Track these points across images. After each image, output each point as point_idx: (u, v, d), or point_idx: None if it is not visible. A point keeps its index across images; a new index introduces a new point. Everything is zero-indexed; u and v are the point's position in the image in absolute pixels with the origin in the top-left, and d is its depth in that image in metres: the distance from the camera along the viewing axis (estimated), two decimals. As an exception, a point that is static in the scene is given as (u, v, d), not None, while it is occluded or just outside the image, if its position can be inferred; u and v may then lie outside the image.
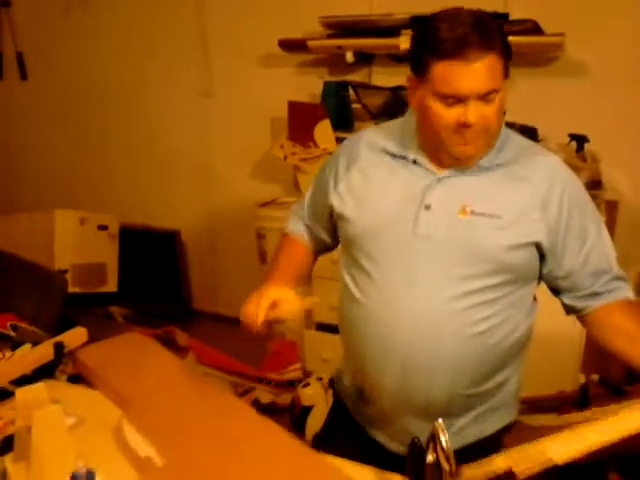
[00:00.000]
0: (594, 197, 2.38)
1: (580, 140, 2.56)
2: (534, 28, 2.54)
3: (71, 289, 3.28)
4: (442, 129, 1.11)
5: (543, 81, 2.76)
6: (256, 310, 1.19)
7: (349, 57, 2.90)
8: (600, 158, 2.57)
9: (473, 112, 1.07)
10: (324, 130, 2.96)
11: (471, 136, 1.10)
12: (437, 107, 1.10)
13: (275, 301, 1.20)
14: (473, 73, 1.05)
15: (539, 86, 2.75)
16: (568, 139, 2.60)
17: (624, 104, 2.66)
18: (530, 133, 2.53)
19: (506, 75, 1.10)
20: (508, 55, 1.09)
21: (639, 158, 2.70)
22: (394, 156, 1.23)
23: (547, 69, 2.76)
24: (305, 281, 1.42)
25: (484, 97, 1.07)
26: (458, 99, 1.07)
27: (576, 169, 2.44)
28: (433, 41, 1.06)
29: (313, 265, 1.49)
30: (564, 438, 0.93)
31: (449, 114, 1.09)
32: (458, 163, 1.16)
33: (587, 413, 0.99)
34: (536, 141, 2.54)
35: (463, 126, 1.09)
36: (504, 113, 1.16)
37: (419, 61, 1.10)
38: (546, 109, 2.72)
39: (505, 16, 2.59)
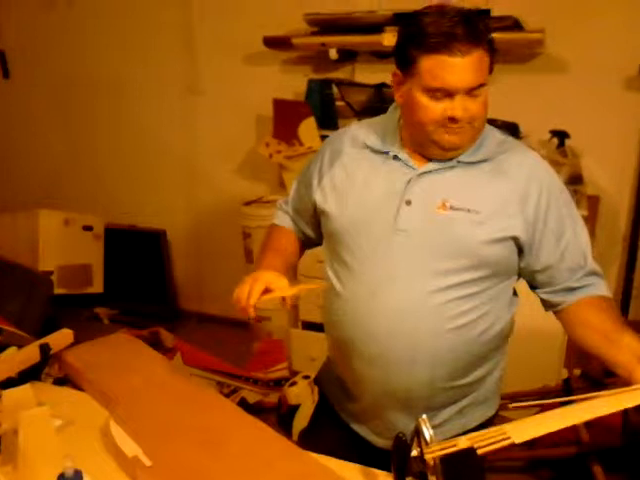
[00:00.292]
0: (575, 192, 2.43)
1: (561, 136, 2.59)
2: (515, 25, 2.56)
3: (56, 290, 3.27)
4: (429, 123, 1.13)
5: (524, 77, 2.79)
6: (249, 293, 1.18)
7: (333, 54, 2.91)
8: (581, 154, 2.61)
9: (460, 106, 1.09)
10: (309, 128, 2.97)
11: (457, 130, 1.13)
12: (425, 101, 1.12)
13: (268, 286, 1.20)
14: (461, 68, 1.07)
15: (520, 82, 2.78)
16: (549, 135, 2.63)
17: (604, 100, 2.69)
18: (512, 129, 2.56)
19: (491, 70, 1.12)
20: (493, 51, 1.11)
21: (619, 153, 2.74)
22: (376, 152, 1.25)
23: (528, 65, 2.78)
24: (293, 270, 1.42)
25: (471, 91, 1.09)
26: (446, 93, 1.09)
27: (557, 165, 2.48)
28: (421, 36, 1.08)
29: (300, 256, 1.50)
30: (524, 422, 0.97)
31: (437, 108, 1.11)
32: (444, 155, 1.18)
33: (562, 400, 1.03)
34: (518, 137, 2.56)
35: (450, 120, 1.11)
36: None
37: (406, 56, 1.12)
38: (527, 105, 2.74)
39: (486, 12, 2.61)
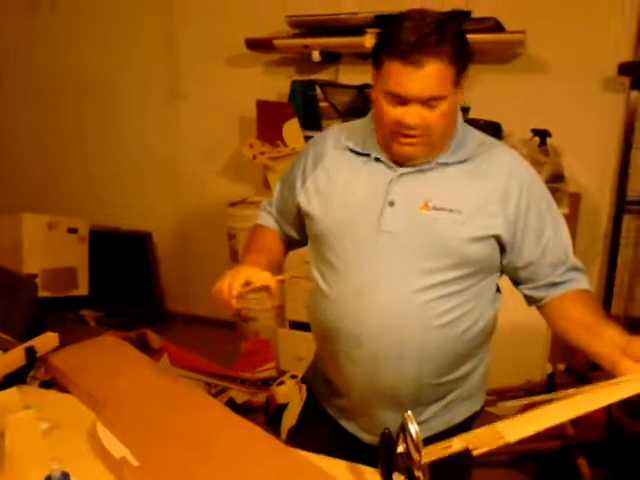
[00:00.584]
0: (557, 190, 2.47)
1: (542, 135, 2.63)
2: (496, 26, 2.59)
3: (41, 293, 3.25)
4: (386, 125, 1.16)
5: (505, 78, 2.82)
6: (230, 285, 1.18)
7: (316, 56, 2.92)
8: (562, 152, 2.64)
9: (412, 114, 1.11)
10: (292, 129, 2.97)
11: (411, 137, 1.14)
12: (383, 103, 1.14)
13: (248, 279, 1.20)
14: (417, 77, 1.08)
15: (502, 82, 2.81)
16: (531, 134, 2.66)
17: (584, 99, 2.73)
18: (494, 129, 2.59)
19: (457, 84, 1.12)
20: (463, 64, 1.11)
21: (600, 152, 2.78)
22: (357, 154, 1.26)
23: (509, 66, 2.82)
24: (277, 270, 1.41)
25: (427, 102, 1.10)
26: (401, 99, 1.11)
27: (539, 163, 2.51)
28: (390, 39, 1.10)
29: (284, 256, 1.50)
30: (516, 421, 0.98)
31: (392, 112, 1.13)
32: (402, 161, 1.20)
33: (547, 396, 1.04)
34: (500, 137, 2.59)
35: (401, 126, 1.13)
36: (465, 113, 1.20)
37: (377, 56, 1.14)
38: (509, 105, 2.78)
39: (467, 14, 2.64)
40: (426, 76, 1.07)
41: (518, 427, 0.95)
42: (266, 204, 1.51)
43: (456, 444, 0.94)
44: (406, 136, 1.14)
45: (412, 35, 1.07)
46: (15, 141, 4.11)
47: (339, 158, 1.28)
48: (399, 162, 1.21)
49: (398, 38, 1.08)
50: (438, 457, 0.93)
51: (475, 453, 0.92)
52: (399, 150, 1.18)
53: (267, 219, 1.49)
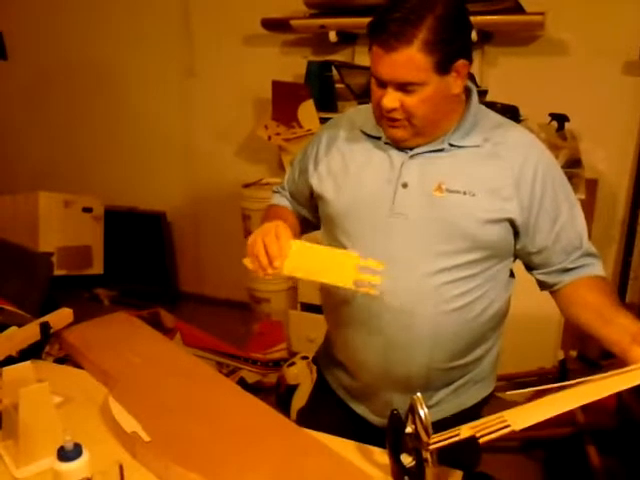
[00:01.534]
0: (574, 175, 2.44)
1: (560, 119, 2.59)
2: (516, 7, 2.55)
3: (57, 272, 3.29)
4: (373, 107, 1.18)
5: (524, 60, 2.78)
6: (269, 245, 1.14)
7: (332, 37, 2.90)
8: (580, 137, 2.61)
9: (390, 98, 1.11)
10: (308, 110, 2.96)
11: (396, 124, 1.14)
12: (372, 85, 1.15)
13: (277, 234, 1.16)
14: (389, 62, 1.08)
15: (520, 65, 2.77)
16: (549, 118, 2.63)
17: (604, 84, 2.69)
18: (511, 112, 2.55)
19: (441, 70, 1.09)
20: (449, 50, 1.08)
21: (618, 137, 2.74)
22: (370, 137, 1.26)
23: (528, 48, 2.77)
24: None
25: (403, 87, 1.10)
26: (379, 82, 1.12)
27: (556, 148, 2.48)
28: (373, 21, 1.10)
29: (300, 235, 1.46)
30: (523, 409, 0.98)
31: (376, 95, 1.14)
32: (395, 144, 1.20)
33: (557, 385, 1.04)
34: (517, 120, 2.56)
35: (381, 108, 1.13)
36: (483, 96, 1.18)
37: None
38: (527, 88, 2.74)
39: (487, -5, 2.60)
40: (396, 61, 1.07)
41: (525, 415, 0.95)
42: (278, 188, 1.51)
43: (464, 432, 0.95)
44: (389, 119, 1.15)
45: (388, 18, 1.06)
46: (27, 119, 4.13)
47: (352, 141, 1.28)
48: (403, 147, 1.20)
49: (377, 20, 1.08)
50: (446, 445, 0.94)
51: (482, 441, 0.93)
52: (388, 133, 1.19)
53: (280, 199, 1.49)
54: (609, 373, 1.03)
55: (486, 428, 0.94)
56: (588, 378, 1.02)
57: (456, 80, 1.13)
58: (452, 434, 0.95)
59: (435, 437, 0.95)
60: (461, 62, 1.11)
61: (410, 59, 1.06)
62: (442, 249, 1.16)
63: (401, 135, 1.17)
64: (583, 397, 0.99)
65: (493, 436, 0.93)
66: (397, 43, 1.05)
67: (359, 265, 1.11)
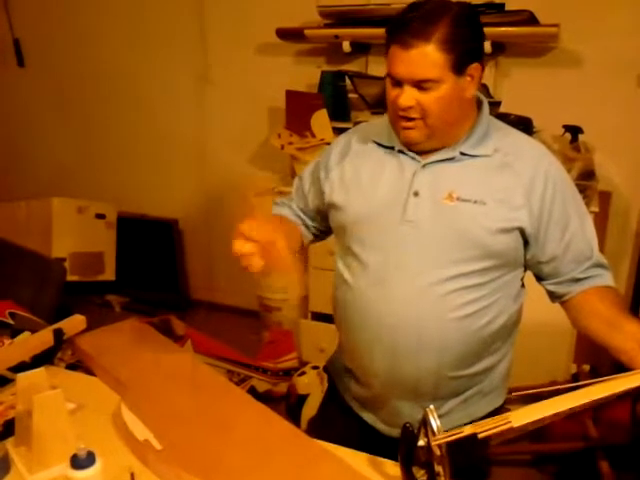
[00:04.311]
0: (587, 188, 2.43)
1: (574, 131, 2.58)
2: (530, 19, 2.55)
3: (69, 277, 3.30)
4: (389, 108, 1.19)
5: (538, 72, 2.77)
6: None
7: (346, 47, 2.91)
8: (594, 149, 2.59)
9: (406, 96, 1.13)
10: (321, 120, 2.97)
11: (408, 120, 1.16)
12: (388, 86, 1.17)
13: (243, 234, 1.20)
14: (407, 60, 1.10)
15: (534, 77, 2.77)
16: (562, 130, 2.62)
17: (618, 95, 2.68)
18: (525, 124, 2.55)
19: (457, 70, 1.11)
20: (464, 50, 1.11)
21: (632, 149, 2.72)
22: (383, 147, 1.27)
23: (542, 60, 2.77)
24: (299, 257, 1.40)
25: (419, 84, 1.11)
26: (396, 81, 1.14)
27: (570, 160, 2.47)
28: (392, 22, 1.13)
29: (300, 245, 1.45)
30: (526, 409, 0.99)
31: (392, 94, 1.16)
32: (408, 147, 1.21)
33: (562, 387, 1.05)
34: (531, 132, 2.56)
35: (397, 107, 1.15)
36: (496, 108, 1.19)
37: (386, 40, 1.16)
38: (541, 100, 2.73)
39: (501, 6, 2.60)
40: (413, 58, 1.09)
41: (527, 414, 0.97)
42: (282, 200, 1.53)
43: (467, 430, 0.96)
44: (404, 119, 1.16)
45: (408, 18, 1.09)
46: (42, 125, 4.15)
47: (366, 150, 1.29)
48: (415, 151, 1.21)
49: (397, 21, 1.11)
50: (446, 441, 0.94)
51: (481, 436, 0.94)
52: (402, 135, 1.20)
53: (281, 210, 1.50)
54: (613, 376, 1.03)
55: (487, 425, 0.96)
56: (593, 380, 1.02)
57: (470, 84, 1.15)
58: (455, 433, 0.96)
59: (439, 436, 0.96)
60: (475, 65, 1.14)
61: (428, 56, 1.09)
62: (452, 257, 1.17)
63: (414, 136, 1.18)
64: (585, 397, 0.99)
65: (492, 432, 0.94)
66: (416, 40, 1.08)
67: None
